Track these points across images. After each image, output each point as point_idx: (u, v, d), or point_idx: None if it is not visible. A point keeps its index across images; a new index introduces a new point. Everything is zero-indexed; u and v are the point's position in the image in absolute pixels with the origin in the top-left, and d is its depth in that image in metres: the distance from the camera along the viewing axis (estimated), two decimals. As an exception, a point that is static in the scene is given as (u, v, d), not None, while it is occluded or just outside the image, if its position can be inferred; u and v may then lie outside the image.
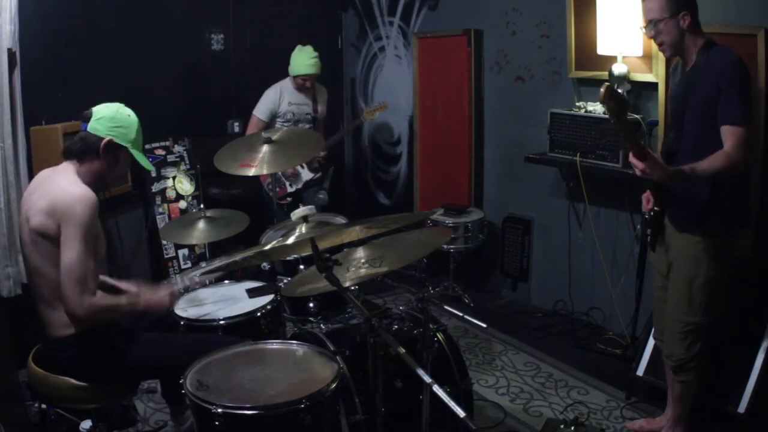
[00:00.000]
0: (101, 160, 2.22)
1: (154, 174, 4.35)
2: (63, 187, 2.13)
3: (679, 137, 2.50)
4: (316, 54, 4.29)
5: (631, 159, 2.30)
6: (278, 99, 4.32)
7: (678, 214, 2.55)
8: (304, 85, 4.31)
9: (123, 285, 2.47)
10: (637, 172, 2.32)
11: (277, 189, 4.34)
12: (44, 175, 2.24)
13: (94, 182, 2.23)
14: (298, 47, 4.32)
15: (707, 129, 2.37)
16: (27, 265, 2.25)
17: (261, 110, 4.31)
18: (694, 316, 2.52)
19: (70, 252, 2.05)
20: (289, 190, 4.47)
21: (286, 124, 4.34)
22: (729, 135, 2.31)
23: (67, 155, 2.24)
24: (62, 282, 2.06)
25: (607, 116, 3.48)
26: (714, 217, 2.45)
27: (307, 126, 4.41)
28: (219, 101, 4.95)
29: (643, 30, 2.51)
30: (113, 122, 2.21)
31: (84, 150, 2.21)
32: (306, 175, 4.46)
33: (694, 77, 2.41)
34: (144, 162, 2.34)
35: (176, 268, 4.33)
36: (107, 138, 2.20)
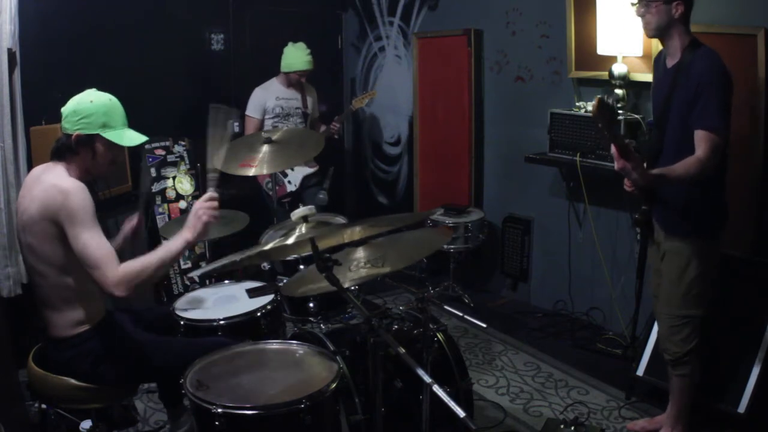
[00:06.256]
0: (80, 156, 2.22)
1: (154, 174, 4.35)
2: (51, 184, 2.12)
3: (662, 137, 2.52)
4: (309, 50, 4.36)
5: (615, 157, 2.31)
6: (265, 95, 4.39)
7: (662, 216, 2.59)
8: (298, 80, 4.37)
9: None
10: (616, 167, 2.34)
11: (276, 187, 4.36)
12: (35, 175, 2.23)
13: (83, 177, 2.22)
14: (291, 44, 4.38)
15: (687, 132, 2.38)
16: (26, 266, 2.25)
17: (252, 109, 4.39)
18: (688, 309, 2.54)
19: (77, 242, 2.06)
20: (289, 189, 4.47)
21: (275, 119, 4.38)
22: (703, 141, 2.32)
23: (52, 158, 2.25)
24: (87, 272, 2.07)
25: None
26: (695, 218, 2.49)
27: (299, 121, 4.45)
28: (219, 101, 4.91)
29: (634, 5, 2.50)
30: (76, 115, 2.20)
31: (61, 150, 2.22)
32: (304, 170, 4.48)
33: (678, 78, 2.42)
34: (119, 139, 2.24)
35: (176, 268, 4.33)
36: (74, 134, 2.19)
